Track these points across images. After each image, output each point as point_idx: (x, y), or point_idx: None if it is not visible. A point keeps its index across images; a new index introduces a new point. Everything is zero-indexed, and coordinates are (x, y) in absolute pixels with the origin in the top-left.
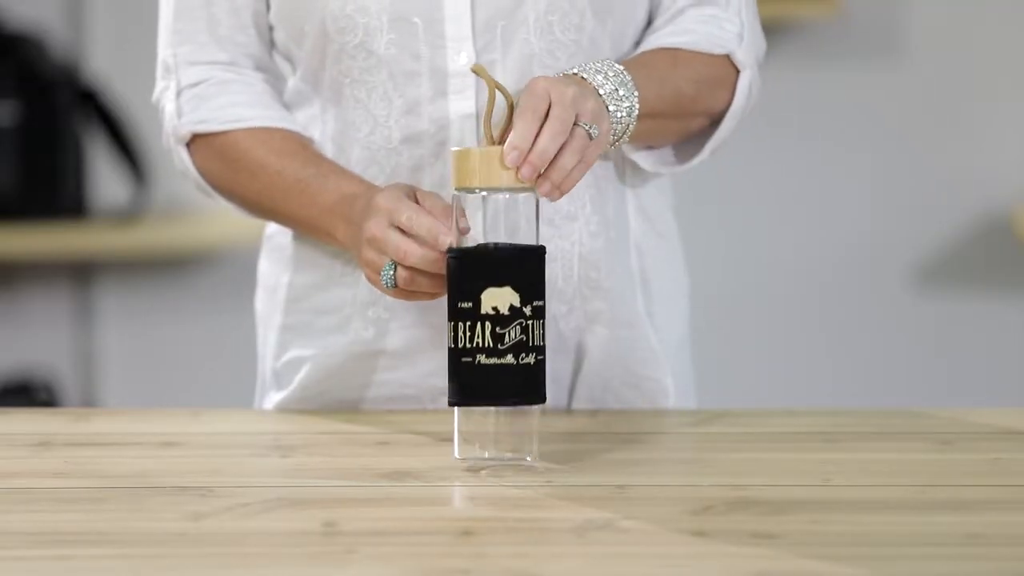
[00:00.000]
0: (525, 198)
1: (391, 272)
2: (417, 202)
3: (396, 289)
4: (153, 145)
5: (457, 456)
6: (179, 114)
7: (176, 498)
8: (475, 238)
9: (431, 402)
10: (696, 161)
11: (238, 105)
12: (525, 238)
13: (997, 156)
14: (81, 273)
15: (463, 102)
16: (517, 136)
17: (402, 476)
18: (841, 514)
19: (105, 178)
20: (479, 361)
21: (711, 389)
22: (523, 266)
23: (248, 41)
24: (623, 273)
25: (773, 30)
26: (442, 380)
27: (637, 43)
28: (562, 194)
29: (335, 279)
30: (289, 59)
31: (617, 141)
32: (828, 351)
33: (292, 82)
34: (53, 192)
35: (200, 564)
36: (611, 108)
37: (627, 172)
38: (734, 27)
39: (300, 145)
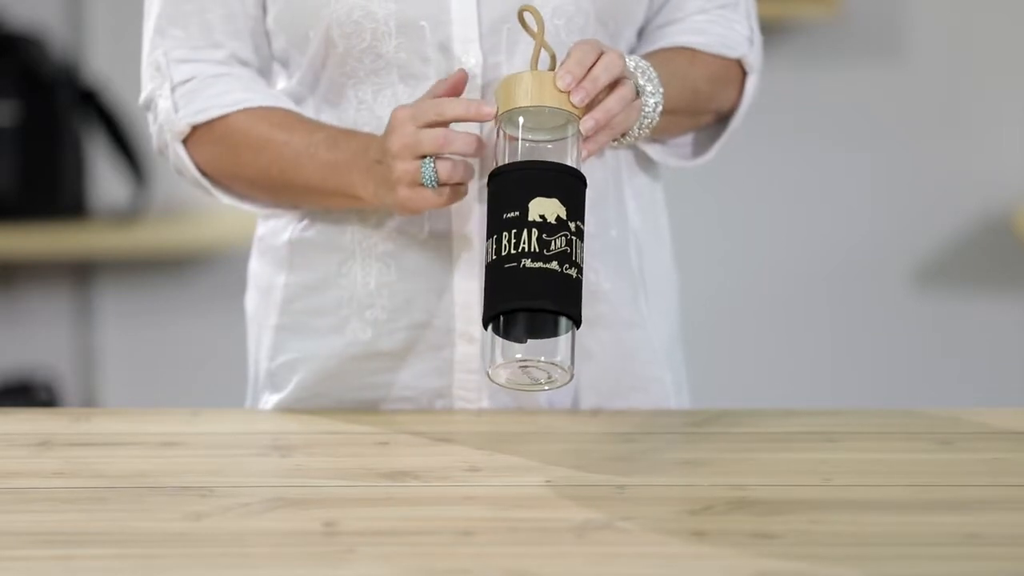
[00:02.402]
0: (571, 129)
1: (432, 169)
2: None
3: (438, 190)
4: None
5: (491, 375)
6: (175, 109)
7: (176, 498)
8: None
9: (428, 404)
10: (703, 160)
11: (234, 91)
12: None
13: (997, 156)
14: (81, 273)
15: None
16: (572, 62)
17: (402, 476)
18: (841, 514)
19: (105, 178)
20: (524, 265)
21: (710, 389)
22: (569, 185)
23: (240, 46)
24: (624, 274)
25: (773, 30)
26: (440, 381)
27: (631, 45)
28: (597, 147)
29: (331, 280)
30: (286, 64)
31: (641, 134)
32: (828, 351)
33: (288, 85)
34: (53, 192)
35: (200, 564)
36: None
37: (625, 170)
38: (743, 29)
39: (302, 118)
